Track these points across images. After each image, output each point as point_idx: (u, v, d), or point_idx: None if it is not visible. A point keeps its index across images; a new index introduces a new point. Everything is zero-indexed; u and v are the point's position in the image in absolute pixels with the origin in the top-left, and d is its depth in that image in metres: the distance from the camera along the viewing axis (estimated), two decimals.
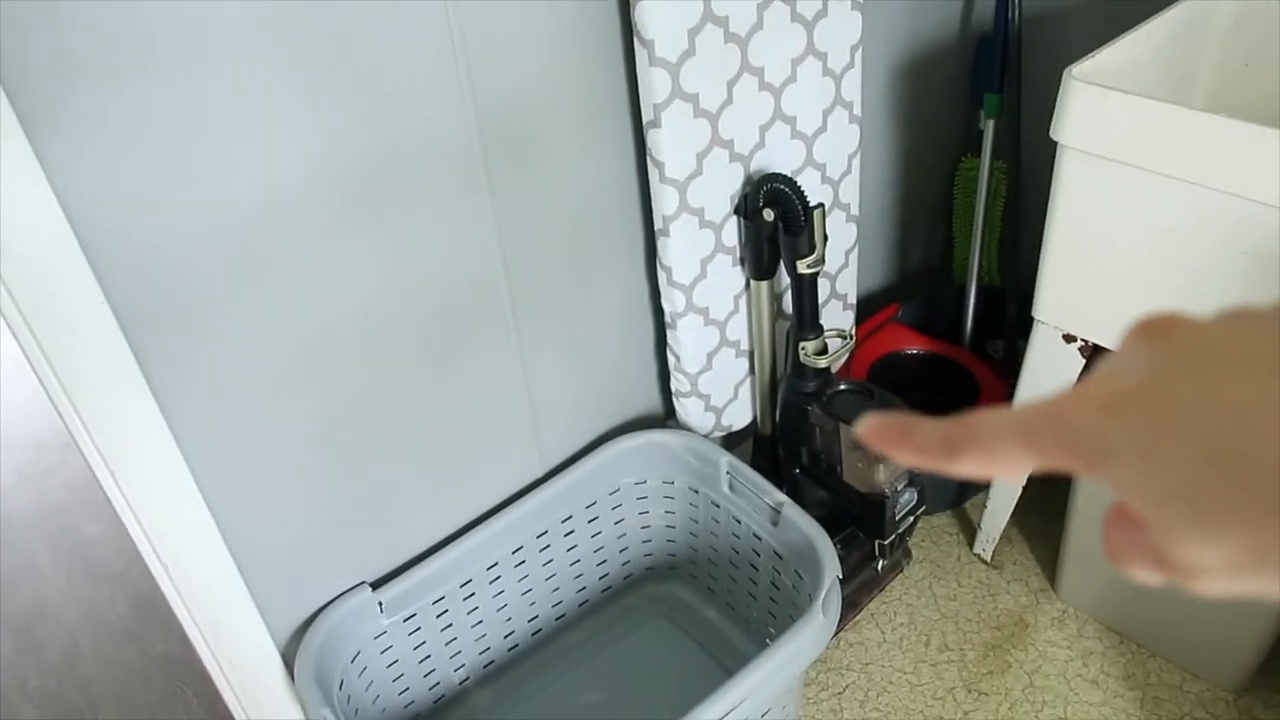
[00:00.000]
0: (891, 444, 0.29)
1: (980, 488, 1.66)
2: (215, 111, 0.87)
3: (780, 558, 1.30)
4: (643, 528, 1.49)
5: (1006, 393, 1.52)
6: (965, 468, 0.27)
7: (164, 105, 0.84)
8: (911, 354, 1.67)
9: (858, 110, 1.32)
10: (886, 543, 1.39)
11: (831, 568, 1.19)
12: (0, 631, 1.70)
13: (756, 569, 1.37)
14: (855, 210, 1.43)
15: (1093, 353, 1.24)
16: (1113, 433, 0.24)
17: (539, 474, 1.38)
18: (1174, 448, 0.23)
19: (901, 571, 1.61)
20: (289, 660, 1.18)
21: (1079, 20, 1.53)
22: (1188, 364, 0.24)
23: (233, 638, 1.13)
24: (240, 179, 0.91)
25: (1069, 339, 1.24)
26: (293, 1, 0.87)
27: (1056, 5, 1.54)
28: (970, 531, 1.66)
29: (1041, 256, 1.19)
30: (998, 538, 1.58)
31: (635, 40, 1.06)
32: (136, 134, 0.83)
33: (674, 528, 1.49)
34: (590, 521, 1.42)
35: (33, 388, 2.26)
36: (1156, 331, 0.26)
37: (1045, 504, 1.61)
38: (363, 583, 1.22)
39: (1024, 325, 1.59)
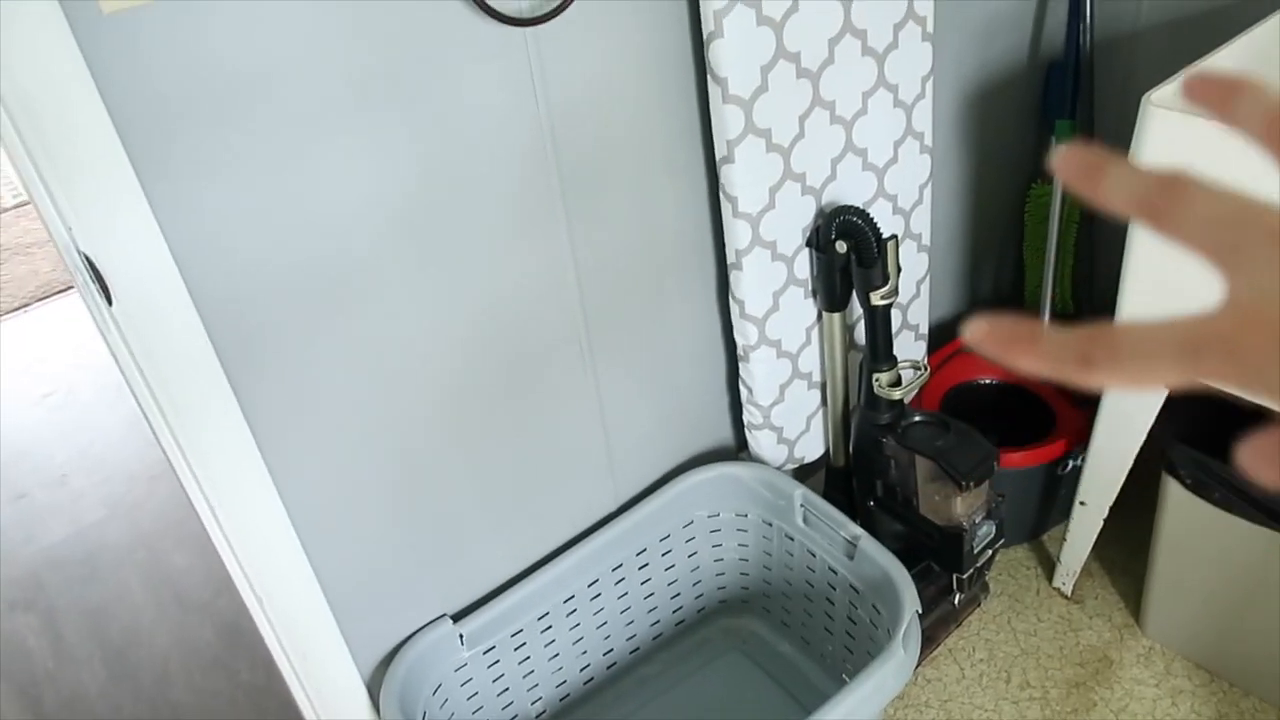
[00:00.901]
0: (1012, 350, 0.25)
1: (1059, 518, 1.62)
2: (306, 154, 0.91)
3: (857, 591, 1.29)
4: (716, 560, 1.49)
5: (1084, 424, 1.49)
6: (1101, 380, 0.24)
7: (260, 150, 0.88)
8: (985, 384, 1.65)
9: (929, 140, 1.32)
10: (965, 576, 1.37)
11: (911, 602, 1.17)
12: (96, 657, 1.76)
13: (832, 603, 1.36)
14: (926, 240, 1.43)
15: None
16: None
17: (613, 507, 1.39)
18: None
19: (979, 606, 1.58)
20: (373, 691, 1.21)
21: (1149, 45, 1.51)
22: None
23: (320, 667, 1.16)
24: (329, 220, 0.95)
25: None
26: (380, 57, 0.91)
27: (1126, 30, 1.52)
28: (1049, 564, 1.63)
29: (1120, 286, 1.18)
30: (1078, 571, 1.54)
31: (709, 78, 1.09)
32: (235, 177, 0.88)
33: (747, 560, 1.48)
34: (664, 555, 1.42)
35: (122, 422, 2.35)
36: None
37: (1127, 536, 1.57)
38: (444, 615, 1.24)
39: None
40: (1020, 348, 0.25)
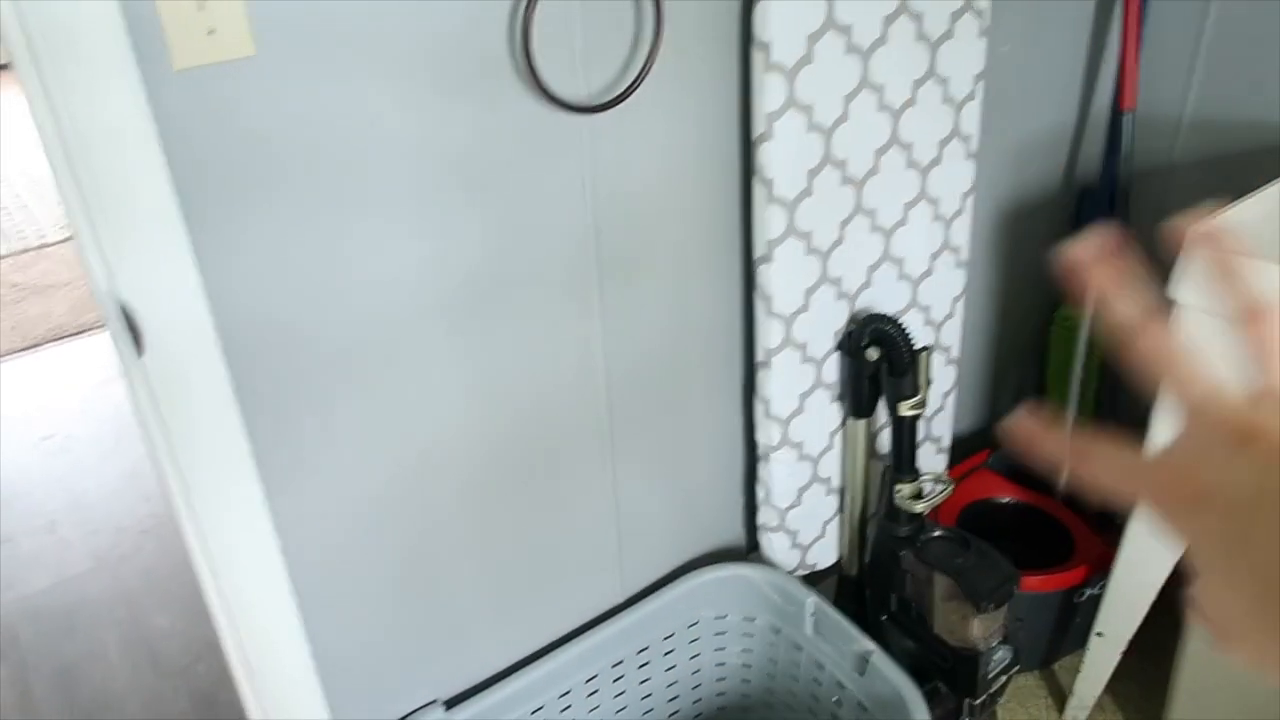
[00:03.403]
0: (1028, 439, 0.31)
1: (1072, 647, 1.58)
2: (347, 225, 0.90)
3: (865, 710, 1.24)
4: (718, 665, 1.44)
5: (1104, 551, 1.46)
6: (1084, 473, 0.30)
7: (313, 220, 0.88)
8: (1003, 503, 1.63)
9: (965, 255, 1.33)
10: (977, 703, 1.32)
11: None
12: (63, 718, 1.69)
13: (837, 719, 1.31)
14: (955, 354, 1.42)
15: None
16: (1196, 519, 0.26)
17: (619, 600, 1.35)
18: (1259, 572, 0.24)
19: None
20: None
21: (1183, 180, 1.53)
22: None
23: None
24: (369, 295, 0.94)
25: None
26: (444, 143, 0.92)
27: (1162, 163, 1.55)
28: (1060, 695, 1.57)
29: (1153, 412, 1.16)
30: (1091, 705, 1.49)
31: (755, 178, 1.10)
32: (283, 242, 0.87)
33: (750, 666, 1.43)
34: (666, 654, 1.37)
35: (117, 474, 2.32)
36: (1248, 441, 0.27)
37: (1144, 674, 1.52)
38: (437, 700, 1.19)
39: None
40: (1043, 439, 0.31)
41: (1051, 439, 0.31)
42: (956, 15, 1.16)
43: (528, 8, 0.89)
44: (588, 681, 1.30)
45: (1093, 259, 0.31)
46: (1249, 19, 1.39)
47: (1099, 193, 1.53)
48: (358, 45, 0.84)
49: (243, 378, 0.89)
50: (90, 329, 2.89)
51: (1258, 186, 1.14)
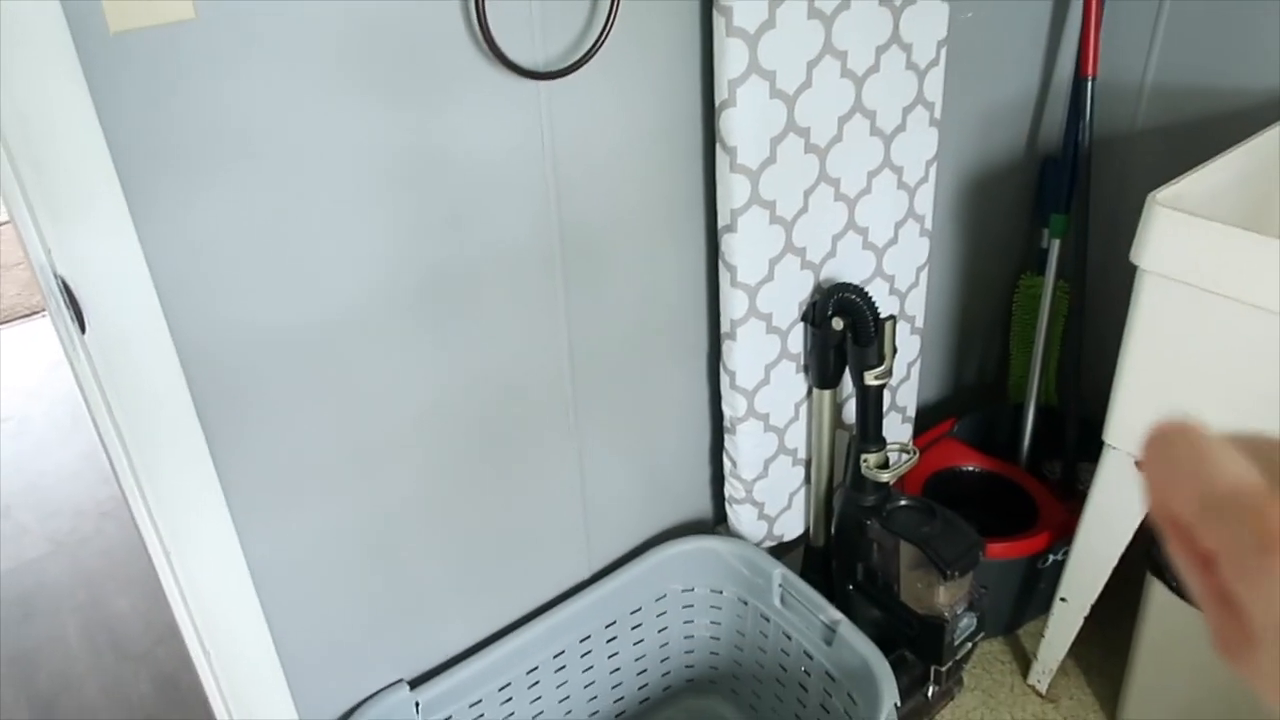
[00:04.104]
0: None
1: (1036, 612, 1.60)
2: (297, 200, 0.88)
3: (833, 679, 1.25)
4: (686, 638, 1.43)
5: (1067, 518, 1.48)
6: (1145, 464, 0.25)
7: (250, 190, 0.85)
8: (968, 471, 1.63)
9: (929, 224, 1.32)
10: (943, 669, 1.33)
11: (890, 694, 1.13)
12: (21, 703, 1.66)
13: (805, 689, 1.31)
14: (920, 323, 1.42)
15: None
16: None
17: (586, 575, 1.34)
18: None
19: (952, 699, 1.54)
20: None
21: (1145, 147, 1.54)
22: None
23: None
24: (321, 276, 0.92)
25: (1141, 465, 1.20)
26: (389, 114, 0.89)
27: (1123, 131, 1.55)
28: (1024, 660, 1.59)
29: (1115, 379, 1.17)
30: (1055, 669, 1.51)
31: (718, 146, 1.08)
32: (227, 225, 0.84)
33: (719, 639, 1.43)
34: (634, 628, 1.37)
35: (75, 456, 2.26)
36: None
37: (1106, 636, 1.54)
38: (401, 680, 1.18)
39: (1084, 448, 1.55)
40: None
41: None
42: None
43: None
44: (555, 657, 1.30)
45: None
46: None
47: (1062, 159, 1.53)
48: (305, 14, 0.81)
49: (192, 355, 0.87)
50: (41, 310, 2.82)
51: (1218, 151, 1.15)
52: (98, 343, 0.81)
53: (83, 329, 0.80)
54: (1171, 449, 0.24)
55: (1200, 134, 1.45)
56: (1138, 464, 0.27)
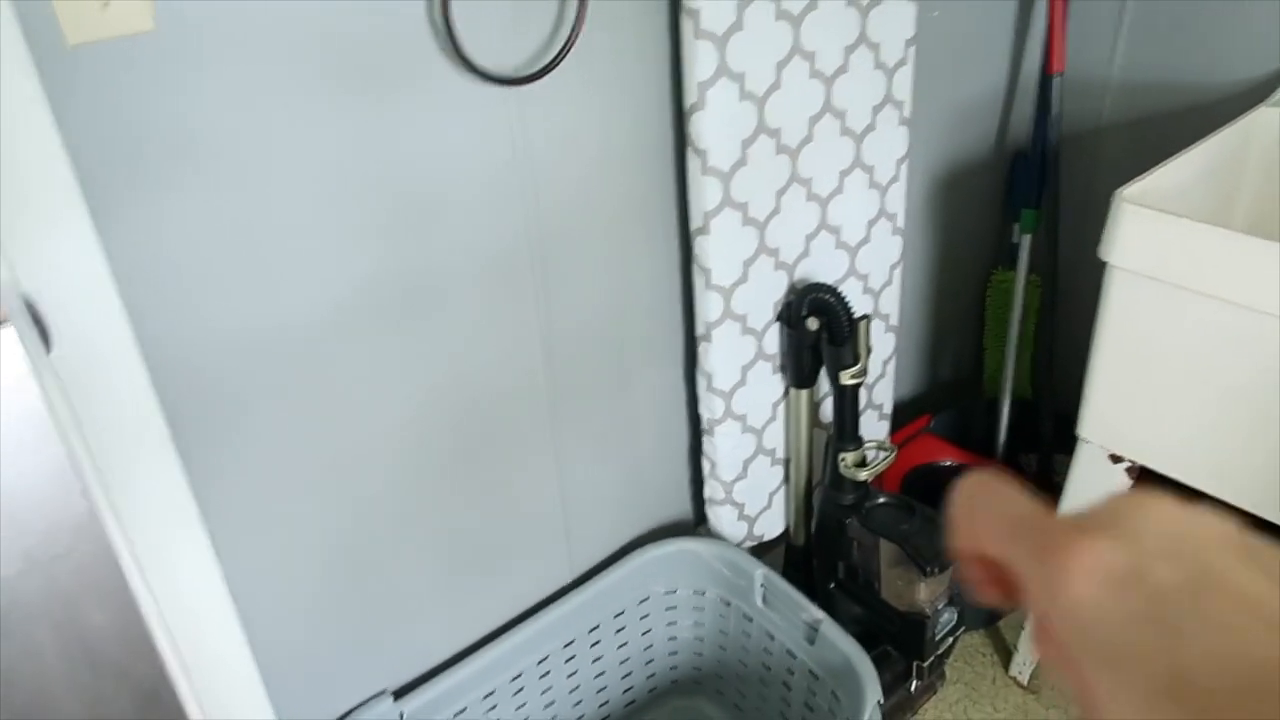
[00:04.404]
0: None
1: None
2: (265, 216, 0.87)
3: (816, 678, 1.25)
4: (670, 639, 1.44)
5: None
6: (955, 510, 0.29)
7: (216, 205, 0.84)
8: (945, 466, 1.64)
9: (901, 222, 1.33)
10: (925, 664, 1.34)
11: (873, 691, 1.14)
12: None
13: (789, 688, 1.31)
14: (894, 321, 1.43)
15: (1140, 475, 1.21)
16: (1088, 607, 0.23)
17: (568, 580, 1.34)
18: (1143, 671, 0.22)
19: (935, 693, 1.55)
20: None
21: (1112, 141, 1.55)
22: (1188, 579, 0.23)
23: None
24: (289, 285, 0.91)
25: (1115, 459, 1.22)
26: (355, 121, 0.88)
27: (1090, 126, 1.57)
28: (1005, 652, 1.60)
29: (1088, 375, 1.18)
30: (1036, 660, 1.52)
31: (689, 149, 1.08)
32: (194, 235, 0.83)
33: (702, 640, 1.44)
34: (618, 632, 1.37)
35: (47, 469, 2.24)
36: (1146, 505, 0.25)
37: None
38: (385, 691, 1.17)
39: (1059, 441, 1.56)
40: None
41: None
42: None
43: None
44: (539, 663, 1.29)
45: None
46: None
47: (1031, 155, 1.54)
48: (267, 21, 0.80)
49: (162, 368, 0.86)
50: (4, 320, 2.78)
51: (1183, 144, 1.16)
52: (65, 361, 0.80)
53: (48, 347, 0.79)
54: (980, 494, 0.29)
55: (1165, 128, 1.47)
56: (950, 513, 0.30)
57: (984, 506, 0.28)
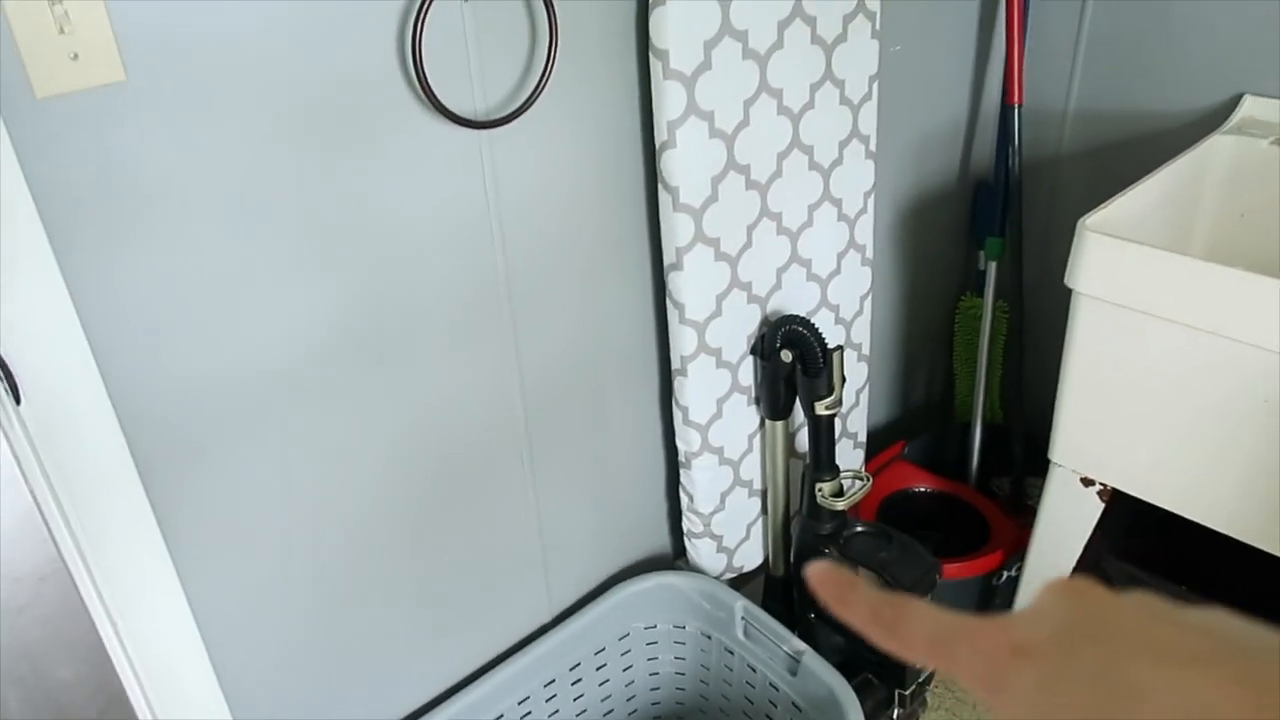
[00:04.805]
0: (831, 596, 0.31)
1: None
2: (235, 263, 0.86)
3: (799, 710, 1.25)
4: (651, 675, 1.43)
5: (1017, 532, 1.50)
6: (881, 643, 0.30)
7: (190, 258, 0.83)
8: (920, 492, 1.66)
9: (870, 253, 1.35)
10: (907, 692, 1.34)
11: None
12: None
13: None
14: (866, 350, 1.44)
15: (1112, 497, 1.23)
16: (1014, 676, 0.26)
17: (547, 618, 1.33)
18: (1062, 711, 0.24)
19: None
20: None
21: (1072, 169, 1.59)
22: (1096, 635, 0.25)
23: None
24: (260, 330, 0.90)
25: (1087, 482, 1.23)
26: (328, 163, 0.88)
27: (1050, 155, 1.60)
28: None
29: (1058, 400, 1.20)
30: None
31: (660, 186, 1.09)
32: (164, 283, 0.83)
33: (684, 675, 1.43)
34: (598, 669, 1.36)
35: (8, 520, 2.18)
36: (1073, 592, 0.27)
37: None
38: None
39: (1031, 464, 1.58)
40: (836, 596, 0.31)
41: (857, 595, 0.30)
42: (849, 18, 1.17)
43: (417, 24, 0.86)
44: (520, 704, 1.28)
45: (823, 581, 0.31)
46: (1123, 16, 1.45)
47: (994, 184, 1.57)
48: (238, 69, 0.80)
49: (132, 417, 0.85)
50: None
51: (1141, 171, 1.19)
52: (34, 414, 0.78)
53: (18, 400, 0.77)
54: (893, 614, 0.29)
55: (1122, 156, 1.51)
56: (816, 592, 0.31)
57: (913, 626, 0.29)
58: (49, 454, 0.81)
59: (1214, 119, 1.38)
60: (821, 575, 0.31)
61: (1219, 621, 0.24)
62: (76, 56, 0.70)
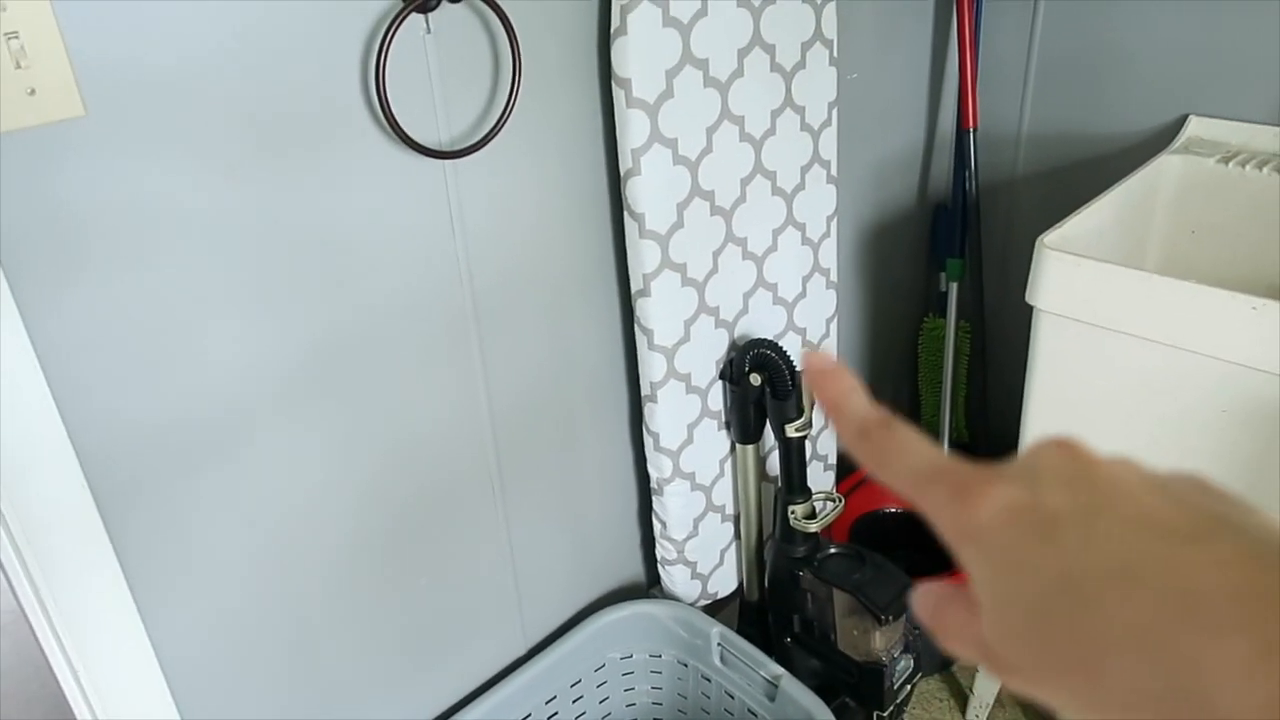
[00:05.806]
0: (825, 395, 0.30)
1: None
2: (203, 297, 0.85)
3: None
4: (629, 705, 1.41)
5: None
6: (861, 460, 0.28)
7: (152, 292, 0.82)
8: (891, 513, 1.67)
9: (834, 276, 1.36)
10: (885, 714, 1.34)
11: None
12: None
13: None
14: None
15: None
16: (989, 531, 0.24)
17: (522, 651, 1.31)
18: (1033, 579, 0.23)
19: None
20: None
21: (1027, 190, 1.62)
22: (1082, 502, 0.24)
23: None
24: (222, 363, 0.89)
25: None
26: (290, 197, 0.88)
27: (1005, 177, 1.64)
28: (962, 697, 1.61)
29: (1023, 415, 1.21)
30: (990, 703, 1.53)
31: (626, 213, 1.09)
32: (125, 318, 0.81)
33: (661, 704, 1.41)
34: (575, 701, 1.34)
35: None
36: (1062, 446, 0.26)
37: None
38: None
39: None
40: (832, 395, 0.30)
41: (851, 403, 0.29)
42: (807, 45, 1.20)
43: (380, 56, 0.87)
44: None
45: (822, 373, 0.30)
46: (1071, 42, 1.49)
47: (952, 207, 1.60)
48: (201, 104, 0.80)
49: (94, 463, 0.83)
50: None
51: (1093, 191, 1.22)
52: None
53: None
54: (892, 445, 0.28)
55: (1075, 177, 1.54)
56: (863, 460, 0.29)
57: (899, 456, 0.28)
58: (7, 497, 0.79)
59: (1161, 139, 1.41)
60: (819, 366, 0.30)
61: (1207, 494, 0.24)
62: (33, 92, 0.69)
